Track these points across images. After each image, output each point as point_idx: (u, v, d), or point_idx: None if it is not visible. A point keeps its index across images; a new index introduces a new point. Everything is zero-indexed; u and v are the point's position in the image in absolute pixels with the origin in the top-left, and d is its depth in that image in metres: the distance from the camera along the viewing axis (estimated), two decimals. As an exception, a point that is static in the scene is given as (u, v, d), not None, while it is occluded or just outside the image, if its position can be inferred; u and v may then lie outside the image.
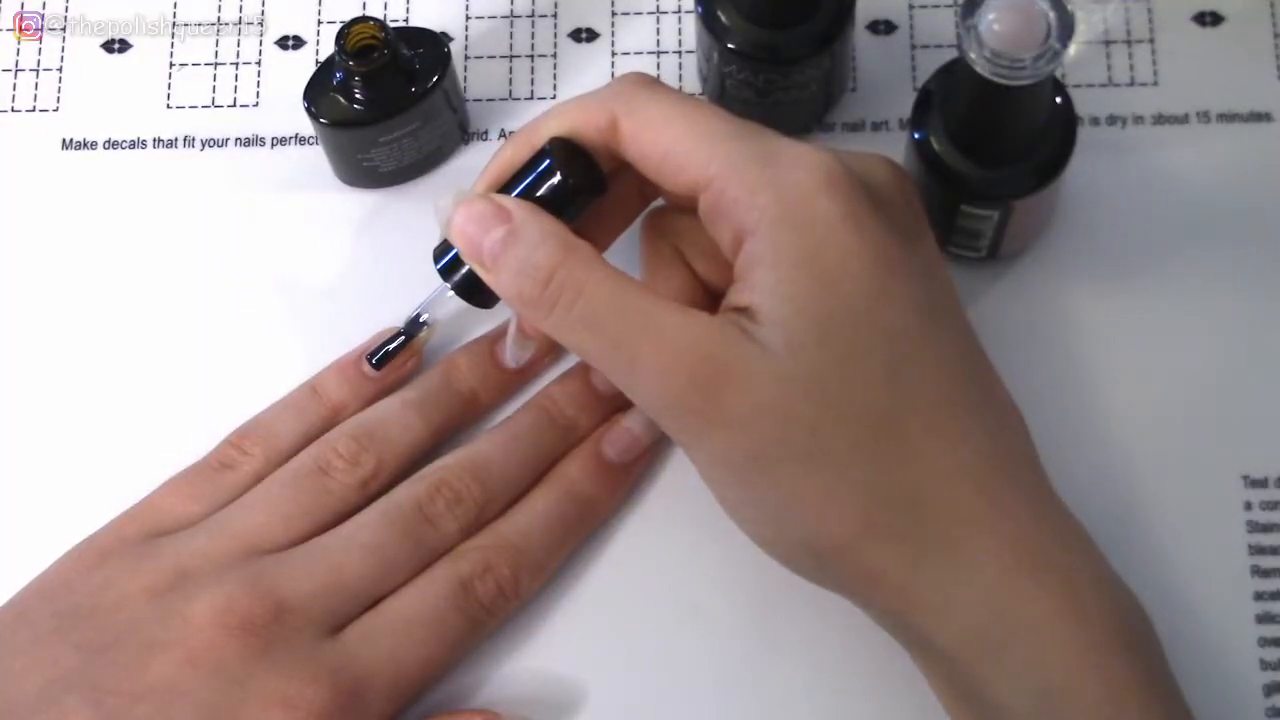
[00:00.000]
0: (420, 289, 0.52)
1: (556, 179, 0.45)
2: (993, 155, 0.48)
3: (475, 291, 0.47)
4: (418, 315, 0.50)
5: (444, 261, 0.47)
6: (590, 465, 0.49)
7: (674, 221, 0.48)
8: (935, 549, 0.41)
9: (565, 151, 0.45)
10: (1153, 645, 0.43)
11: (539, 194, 0.45)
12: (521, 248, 0.43)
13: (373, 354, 0.51)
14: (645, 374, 0.42)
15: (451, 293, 0.48)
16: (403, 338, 0.51)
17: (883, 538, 0.41)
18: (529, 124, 0.46)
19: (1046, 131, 0.48)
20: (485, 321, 0.52)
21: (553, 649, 0.49)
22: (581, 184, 0.45)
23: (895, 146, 0.52)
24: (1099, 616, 0.41)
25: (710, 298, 0.47)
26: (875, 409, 0.41)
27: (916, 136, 0.49)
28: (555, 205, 0.45)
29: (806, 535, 0.42)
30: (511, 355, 0.50)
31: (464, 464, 0.49)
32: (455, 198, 0.45)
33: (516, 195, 0.45)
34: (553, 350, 0.52)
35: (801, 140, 0.44)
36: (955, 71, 0.47)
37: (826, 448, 0.41)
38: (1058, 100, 0.49)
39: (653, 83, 0.45)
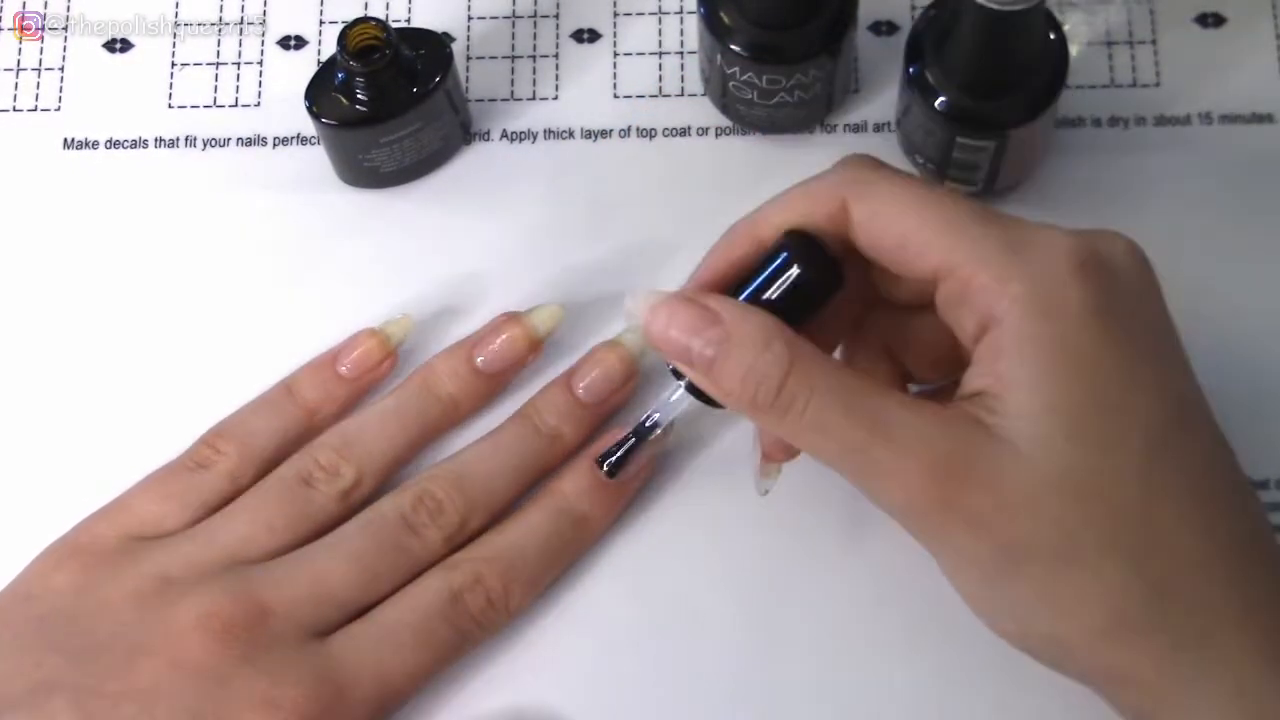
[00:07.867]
0: (421, 289, 0.53)
1: (795, 273, 0.41)
2: (987, 87, 0.49)
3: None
4: (648, 418, 0.46)
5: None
6: (584, 483, 0.49)
7: (879, 318, 0.46)
8: (1186, 645, 0.40)
9: (803, 245, 0.42)
10: None
11: (772, 293, 0.41)
12: (745, 352, 0.40)
13: (603, 457, 0.48)
14: (881, 477, 0.41)
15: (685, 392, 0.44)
16: (633, 440, 0.47)
17: (1132, 634, 0.40)
18: (751, 215, 0.43)
19: (1040, 63, 0.49)
20: (463, 329, 0.52)
21: (556, 657, 0.49)
22: (823, 279, 0.42)
23: (897, 147, 0.51)
24: None
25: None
26: (1126, 502, 0.40)
27: (911, 71, 0.50)
28: (794, 305, 0.41)
29: (1054, 631, 0.41)
30: (759, 486, 0.48)
31: (447, 474, 0.49)
32: (646, 299, 0.42)
33: (747, 296, 0.42)
34: (536, 349, 0.51)
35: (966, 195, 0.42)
36: (945, 7, 0.48)
37: (1076, 544, 0.40)
38: (1051, 36, 0.49)
39: (880, 165, 0.43)
